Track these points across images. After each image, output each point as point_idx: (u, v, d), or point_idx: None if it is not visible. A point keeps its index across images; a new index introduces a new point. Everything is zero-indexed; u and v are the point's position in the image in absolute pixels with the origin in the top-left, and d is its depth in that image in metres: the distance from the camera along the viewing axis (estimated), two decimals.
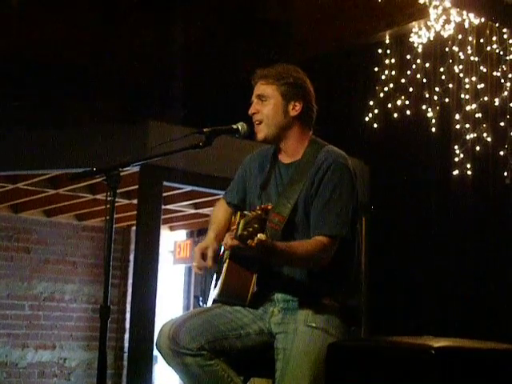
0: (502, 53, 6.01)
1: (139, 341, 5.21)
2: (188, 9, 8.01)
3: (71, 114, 7.69)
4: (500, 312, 5.72)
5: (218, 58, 8.11)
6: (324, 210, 2.52)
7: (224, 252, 2.66)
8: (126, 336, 7.86)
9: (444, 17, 6.18)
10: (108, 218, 2.41)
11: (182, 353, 2.44)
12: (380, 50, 6.56)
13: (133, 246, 7.65)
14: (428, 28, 6.30)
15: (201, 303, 2.79)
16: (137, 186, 5.57)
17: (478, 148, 6.01)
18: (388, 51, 6.54)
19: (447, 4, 5.95)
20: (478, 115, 6.03)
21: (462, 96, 6.12)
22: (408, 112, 6.43)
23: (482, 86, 6.05)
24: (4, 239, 7.63)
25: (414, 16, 6.31)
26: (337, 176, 2.55)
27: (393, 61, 6.52)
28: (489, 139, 5.98)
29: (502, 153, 5.88)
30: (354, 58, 6.84)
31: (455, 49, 6.19)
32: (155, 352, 5.30)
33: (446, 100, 6.24)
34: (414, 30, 6.39)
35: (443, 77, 6.27)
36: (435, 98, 6.29)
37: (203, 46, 8.16)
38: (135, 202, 5.95)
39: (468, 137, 6.04)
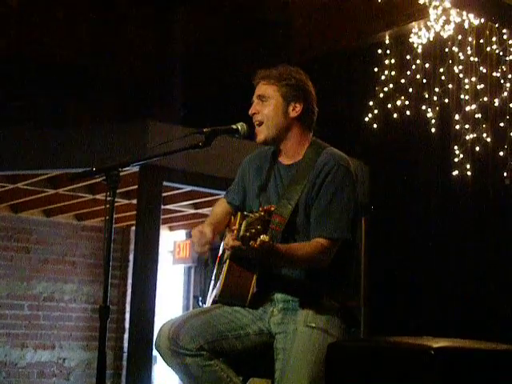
0: (501, 53, 6.01)
1: (138, 341, 5.21)
2: (188, 9, 8.01)
3: (71, 114, 7.70)
4: (500, 312, 5.72)
5: (217, 58, 8.12)
6: (325, 212, 2.52)
7: (224, 252, 2.66)
8: (126, 336, 7.86)
9: (444, 17, 6.18)
10: (108, 217, 2.41)
11: (182, 353, 2.44)
12: (380, 51, 6.56)
13: (132, 246, 7.64)
14: (428, 28, 6.30)
15: (200, 303, 2.79)
16: (136, 186, 5.56)
17: (477, 148, 6.01)
18: (388, 51, 6.54)
19: (447, 4, 5.95)
20: (478, 116, 6.03)
21: (462, 96, 6.12)
22: (408, 112, 6.43)
23: (482, 86, 6.05)
24: (3, 239, 7.63)
25: (414, 16, 6.31)
26: (339, 179, 2.55)
27: (393, 61, 6.52)
28: (488, 140, 5.98)
29: (501, 153, 5.88)
30: (354, 58, 6.84)
31: (455, 49, 6.19)
32: (154, 352, 5.28)
33: (446, 100, 6.24)
34: (413, 30, 6.39)
35: (443, 77, 6.27)
36: (435, 98, 6.29)
37: (203, 46, 8.17)
38: (135, 201, 5.94)
39: (468, 137, 6.04)
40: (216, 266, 2.69)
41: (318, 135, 2.73)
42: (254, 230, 2.22)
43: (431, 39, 6.30)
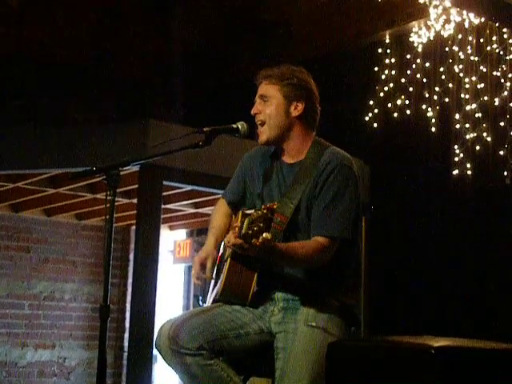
0: (501, 52, 6.00)
1: (139, 340, 5.21)
2: (188, 9, 8.01)
3: (71, 114, 7.70)
4: (500, 312, 5.72)
5: (218, 57, 8.12)
6: (326, 211, 2.52)
7: (225, 251, 2.66)
8: (126, 335, 7.86)
9: (444, 16, 6.18)
10: (108, 217, 2.41)
11: (182, 352, 2.44)
12: (380, 50, 6.56)
13: (132, 246, 7.65)
14: (428, 28, 6.30)
15: (200, 303, 2.79)
16: (137, 186, 5.56)
17: (477, 148, 6.01)
18: (388, 51, 6.54)
19: (447, 4, 5.95)
20: (478, 115, 6.03)
21: (462, 96, 6.12)
22: (408, 112, 6.43)
23: (482, 85, 6.05)
24: (4, 238, 7.63)
25: (414, 16, 6.31)
26: (341, 178, 2.55)
27: (393, 60, 6.52)
28: (489, 139, 5.98)
29: (501, 152, 5.88)
30: (354, 57, 6.84)
31: (455, 48, 6.19)
32: (155, 351, 5.28)
33: (446, 100, 6.24)
34: (414, 29, 6.39)
35: (443, 76, 6.27)
36: (435, 97, 6.29)
37: (203, 45, 8.17)
38: (135, 201, 5.94)
39: (468, 136, 6.04)
40: (217, 265, 2.69)
41: (318, 134, 2.73)
42: (256, 228, 2.21)
43: (431, 38, 6.30)
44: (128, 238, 8.31)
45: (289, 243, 2.48)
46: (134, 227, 7.55)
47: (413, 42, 6.41)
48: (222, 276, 2.52)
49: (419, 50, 6.38)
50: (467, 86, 6.10)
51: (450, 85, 6.22)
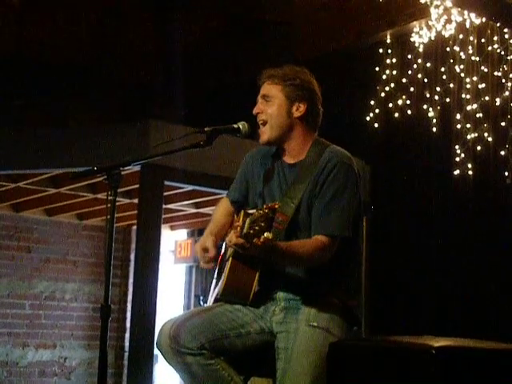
0: (503, 53, 6.00)
1: (140, 340, 5.22)
2: (189, 8, 8.01)
3: (72, 114, 7.70)
4: (500, 312, 5.72)
5: (219, 57, 8.12)
6: (326, 210, 2.52)
7: (226, 250, 2.66)
8: (127, 335, 7.87)
9: (445, 16, 6.17)
10: (109, 217, 2.41)
11: (183, 352, 2.44)
12: (381, 50, 6.56)
13: (133, 246, 7.65)
14: (429, 28, 6.30)
15: (201, 302, 2.80)
16: (138, 186, 5.57)
17: (478, 148, 6.00)
18: (389, 51, 6.54)
19: (448, 4, 5.94)
20: (479, 115, 6.03)
21: (463, 96, 6.11)
22: (409, 112, 6.43)
23: (483, 85, 6.05)
24: (5, 238, 7.64)
25: (415, 16, 6.30)
26: (341, 176, 2.56)
27: (394, 60, 6.52)
28: (490, 139, 5.98)
29: (502, 153, 5.88)
30: (355, 57, 6.84)
31: (456, 48, 6.19)
32: (156, 351, 5.29)
33: (447, 100, 6.24)
34: (415, 29, 6.39)
35: (444, 76, 6.27)
36: (436, 97, 6.29)
37: (204, 45, 8.17)
38: (136, 201, 5.95)
39: (469, 136, 6.04)
40: (218, 264, 2.69)
41: (319, 134, 2.74)
42: (257, 228, 2.22)
43: (432, 38, 6.30)
44: (129, 237, 8.31)
45: (290, 242, 2.48)
46: (135, 227, 7.54)
47: (414, 42, 6.40)
48: (224, 275, 2.52)
49: (420, 50, 6.38)
50: (468, 86, 6.10)
51: (451, 85, 6.22)
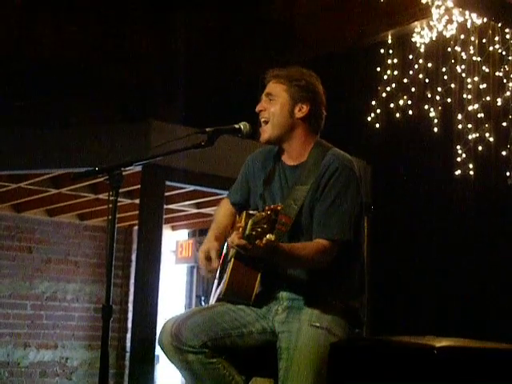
0: (504, 53, 6.00)
1: (141, 340, 5.22)
2: (190, 8, 8.01)
3: (73, 114, 7.70)
4: (500, 312, 5.72)
5: (220, 57, 8.11)
6: (327, 213, 2.52)
7: (228, 251, 2.66)
8: (128, 336, 7.86)
9: (446, 17, 6.17)
10: (110, 217, 2.41)
11: (185, 350, 2.44)
12: (382, 50, 6.55)
13: (135, 246, 7.65)
14: (430, 28, 6.30)
15: (203, 303, 2.80)
16: (139, 186, 5.57)
17: (480, 148, 6.00)
18: (390, 51, 6.53)
19: (449, 4, 5.94)
20: (481, 115, 6.02)
21: (465, 96, 6.11)
22: (410, 112, 6.43)
23: (485, 86, 6.05)
24: (6, 238, 7.64)
25: (417, 16, 6.30)
26: (343, 179, 2.56)
27: (395, 61, 6.52)
28: (491, 139, 5.98)
29: (504, 153, 5.88)
30: (357, 58, 6.84)
31: (457, 49, 6.19)
32: (157, 352, 5.30)
33: (449, 100, 6.23)
34: (416, 29, 6.38)
35: (445, 77, 6.26)
36: (437, 97, 6.29)
37: (205, 45, 8.16)
38: (137, 201, 5.95)
39: (470, 137, 6.03)
40: (220, 265, 2.69)
41: (320, 134, 2.74)
42: (259, 229, 2.21)
43: (434, 39, 6.29)
44: (130, 238, 8.32)
45: (291, 244, 2.49)
46: (136, 227, 7.56)
47: (415, 43, 6.40)
48: (226, 276, 2.52)
49: (421, 50, 6.38)
50: (469, 86, 6.09)
51: (453, 85, 6.21)
